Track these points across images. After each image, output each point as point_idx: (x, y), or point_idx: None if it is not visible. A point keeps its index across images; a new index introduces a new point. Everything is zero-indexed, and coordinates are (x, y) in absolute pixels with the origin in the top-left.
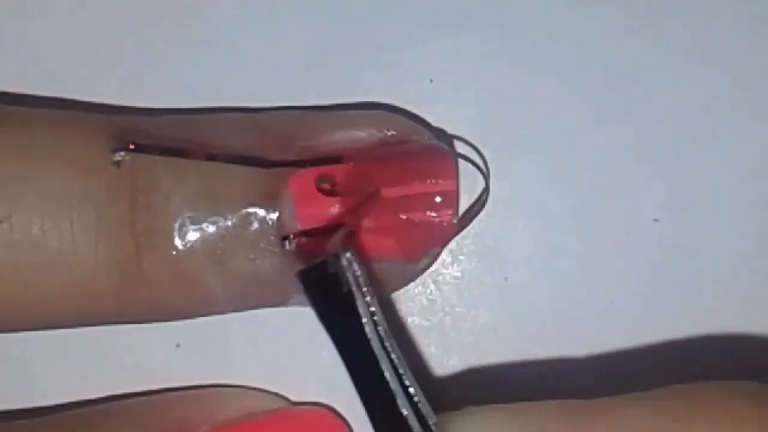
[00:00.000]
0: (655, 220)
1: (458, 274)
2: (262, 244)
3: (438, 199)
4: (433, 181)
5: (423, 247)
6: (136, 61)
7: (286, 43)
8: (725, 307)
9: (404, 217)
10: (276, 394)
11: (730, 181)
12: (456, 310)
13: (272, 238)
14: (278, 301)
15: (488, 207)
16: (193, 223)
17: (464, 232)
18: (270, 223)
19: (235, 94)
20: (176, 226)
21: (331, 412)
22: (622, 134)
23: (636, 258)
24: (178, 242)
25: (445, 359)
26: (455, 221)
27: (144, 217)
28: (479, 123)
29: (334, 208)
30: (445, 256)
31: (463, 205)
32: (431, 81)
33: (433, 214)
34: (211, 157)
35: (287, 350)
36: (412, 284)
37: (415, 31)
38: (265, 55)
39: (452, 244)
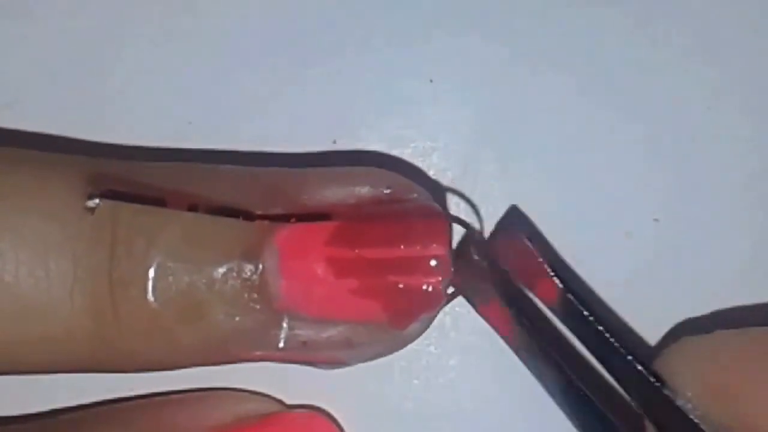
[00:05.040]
0: (655, 220)
1: None
2: (243, 300)
3: (428, 264)
4: (424, 246)
5: (409, 313)
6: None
7: (285, 43)
8: (725, 307)
9: (391, 280)
10: (271, 397)
11: (730, 181)
12: (456, 310)
13: (255, 294)
14: (262, 356)
15: (488, 207)
16: (171, 275)
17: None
18: (252, 278)
19: (233, 96)
20: (155, 277)
21: (325, 414)
22: (623, 134)
23: (636, 258)
24: (155, 294)
25: (445, 359)
26: (445, 287)
27: (122, 267)
28: (479, 123)
29: (319, 265)
30: None
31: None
32: (431, 81)
33: (422, 279)
34: (193, 208)
35: None
36: None
37: (415, 31)
38: (263, 54)
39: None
